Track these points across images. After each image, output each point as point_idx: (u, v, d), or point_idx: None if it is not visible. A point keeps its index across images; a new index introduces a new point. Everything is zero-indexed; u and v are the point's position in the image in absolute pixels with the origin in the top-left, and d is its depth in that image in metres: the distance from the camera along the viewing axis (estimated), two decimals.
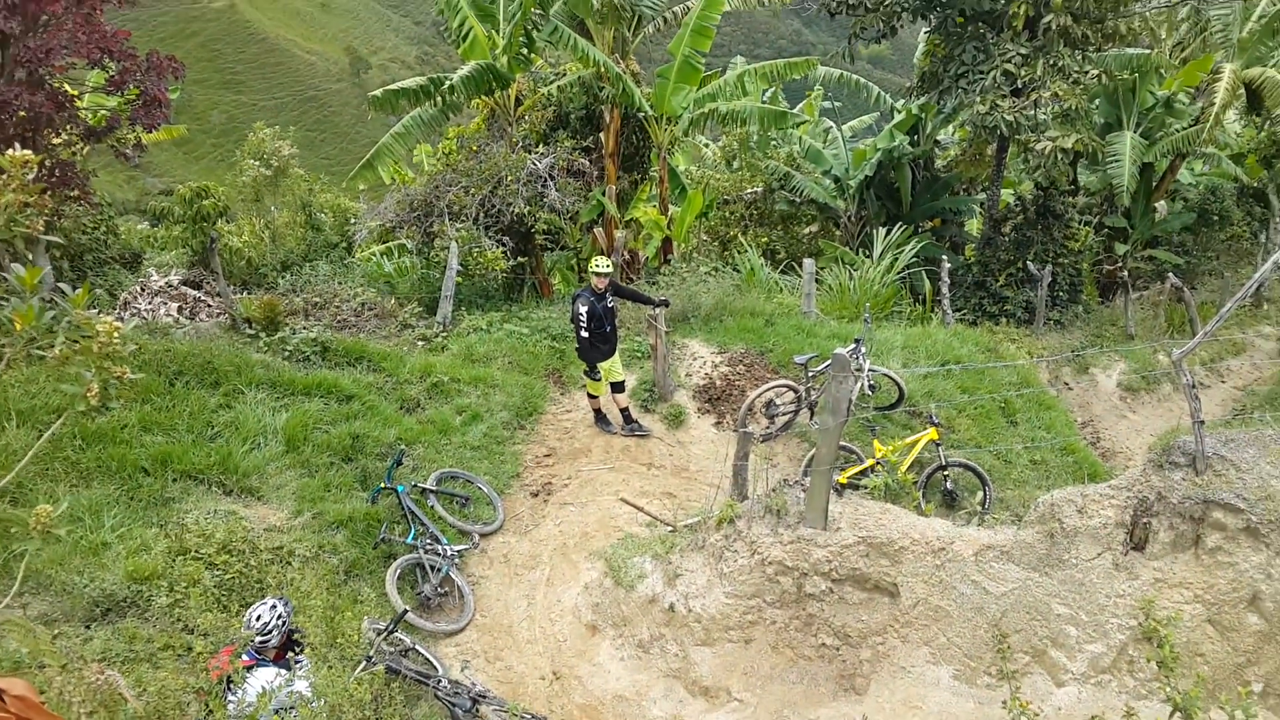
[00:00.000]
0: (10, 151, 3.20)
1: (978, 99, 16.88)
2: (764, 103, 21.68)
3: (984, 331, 16.12)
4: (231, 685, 5.90)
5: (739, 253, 19.33)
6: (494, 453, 11.54)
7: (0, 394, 9.53)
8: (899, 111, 22.20)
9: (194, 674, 6.37)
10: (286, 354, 12.23)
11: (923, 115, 21.71)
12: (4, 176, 3.15)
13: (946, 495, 10.70)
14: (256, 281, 15.45)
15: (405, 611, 8.33)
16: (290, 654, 6.84)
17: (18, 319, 2.92)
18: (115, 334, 3.07)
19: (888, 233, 19.02)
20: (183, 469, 9.55)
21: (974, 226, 23.82)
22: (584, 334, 11.51)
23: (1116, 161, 18.45)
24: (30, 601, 7.62)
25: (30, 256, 10.74)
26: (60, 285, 3.33)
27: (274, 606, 6.61)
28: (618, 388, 12.14)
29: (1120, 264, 19.86)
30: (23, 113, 11.66)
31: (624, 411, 12.26)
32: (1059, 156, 17.53)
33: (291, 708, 5.71)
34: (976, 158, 22.84)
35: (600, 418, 12.38)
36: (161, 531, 8.62)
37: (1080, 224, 18.72)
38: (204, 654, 6.25)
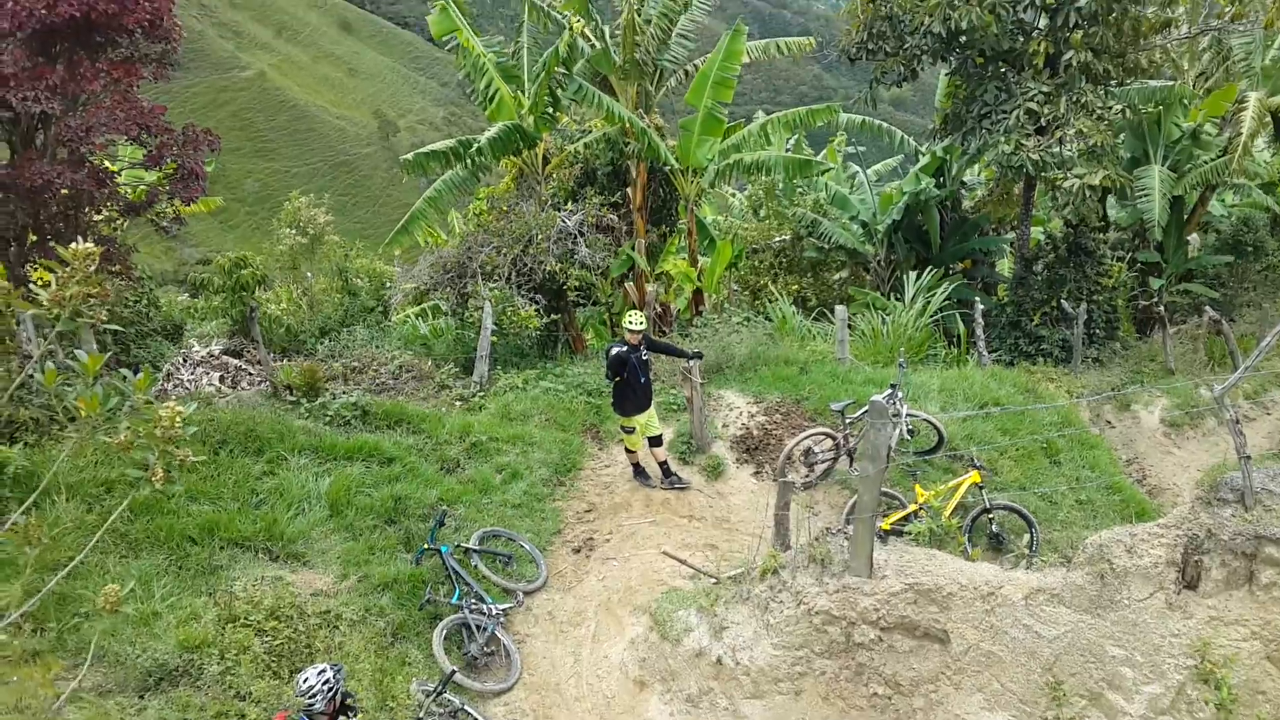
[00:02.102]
0: (74, 245, 3.33)
1: (1002, 139, 16.92)
2: (788, 151, 21.89)
3: (1021, 371, 16.02)
4: None
5: (770, 301, 19.40)
6: (535, 510, 11.59)
7: (48, 468, 9.73)
8: (923, 154, 22.26)
9: None
10: (327, 419, 12.39)
11: (947, 157, 21.75)
12: (68, 269, 3.27)
13: (992, 539, 10.60)
14: (295, 348, 15.68)
15: (454, 672, 8.35)
16: (343, 719, 6.87)
17: (83, 406, 3.02)
18: (178, 419, 3.17)
19: (918, 276, 19.02)
20: (229, 537, 9.67)
21: (1005, 266, 23.76)
22: (618, 380, 11.61)
23: (1146, 196, 18.38)
24: (85, 674, 7.71)
25: (52, 367, 10.96)
26: (122, 370, 3.44)
27: (322, 671, 6.64)
28: (655, 441, 12.17)
29: (1156, 299, 19.70)
30: (65, 190, 11.98)
31: (663, 465, 12.28)
32: (1087, 193, 17.49)
33: None
34: (1004, 197, 22.82)
35: (639, 472, 12.41)
36: (210, 600, 8.72)
37: (1113, 260, 18.62)
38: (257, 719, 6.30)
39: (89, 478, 9.81)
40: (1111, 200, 20.65)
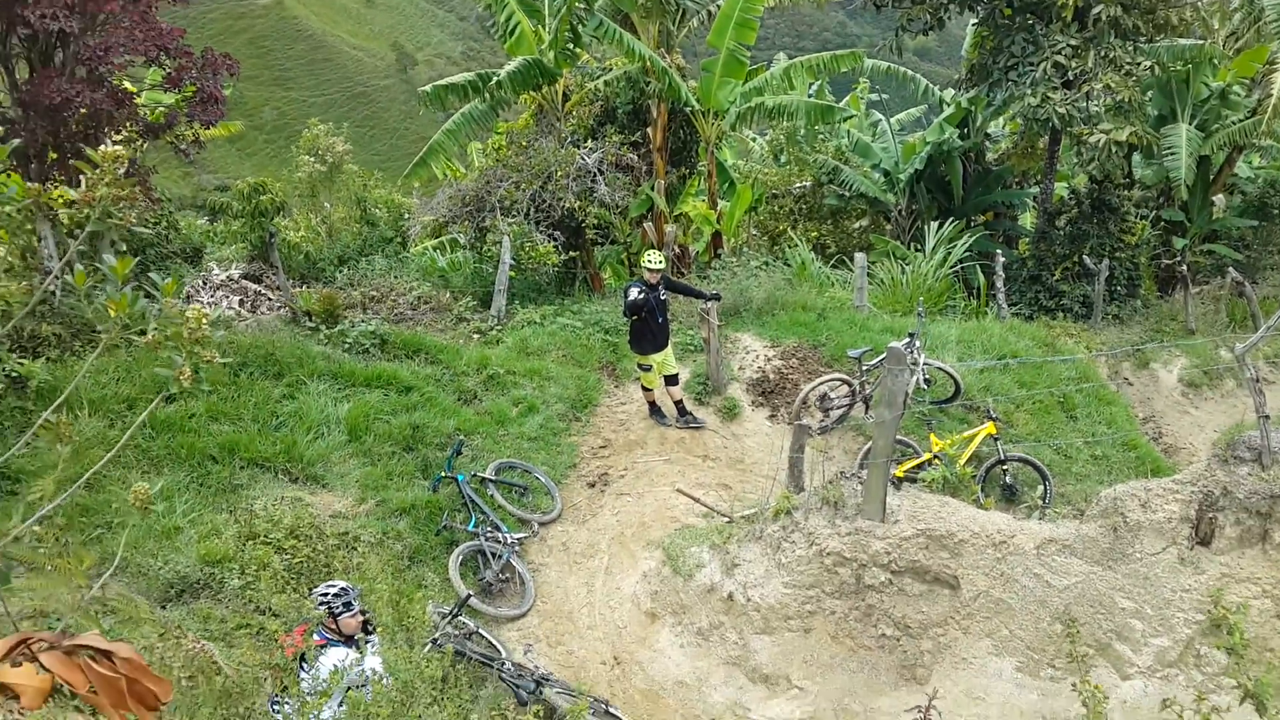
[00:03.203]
0: (103, 148, 3.33)
1: (1028, 91, 16.69)
2: (810, 96, 21.61)
3: (1040, 326, 15.96)
4: (305, 662, 6.04)
5: (789, 247, 19.29)
6: (550, 444, 11.67)
7: (70, 382, 9.81)
8: (948, 104, 21.97)
9: (268, 652, 6.52)
10: (346, 346, 12.44)
11: (972, 108, 21.47)
12: (97, 171, 3.27)
13: (1005, 490, 10.64)
14: (314, 275, 15.70)
15: (469, 596, 8.48)
16: (360, 636, 6.98)
17: (113, 306, 3.03)
18: (204, 320, 3.19)
19: (939, 227, 18.88)
20: (250, 457, 9.78)
21: (1028, 220, 23.55)
22: (636, 318, 11.60)
23: (1173, 154, 18.13)
24: (109, 583, 7.85)
25: (81, 268, 10.96)
26: (150, 274, 3.45)
27: (344, 588, 6.73)
28: (672, 380, 12.20)
29: (1179, 258, 19.54)
30: (84, 110, 11.93)
31: (678, 404, 12.32)
32: (1113, 149, 17.27)
33: (363, 685, 5.83)
34: (1028, 151, 22.55)
35: (655, 410, 12.45)
36: (231, 517, 8.86)
37: (1136, 218, 18.46)
38: (278, 632, 6.41)
39: (111, 394, 9.89)
40: (1137, 158, 20.42)
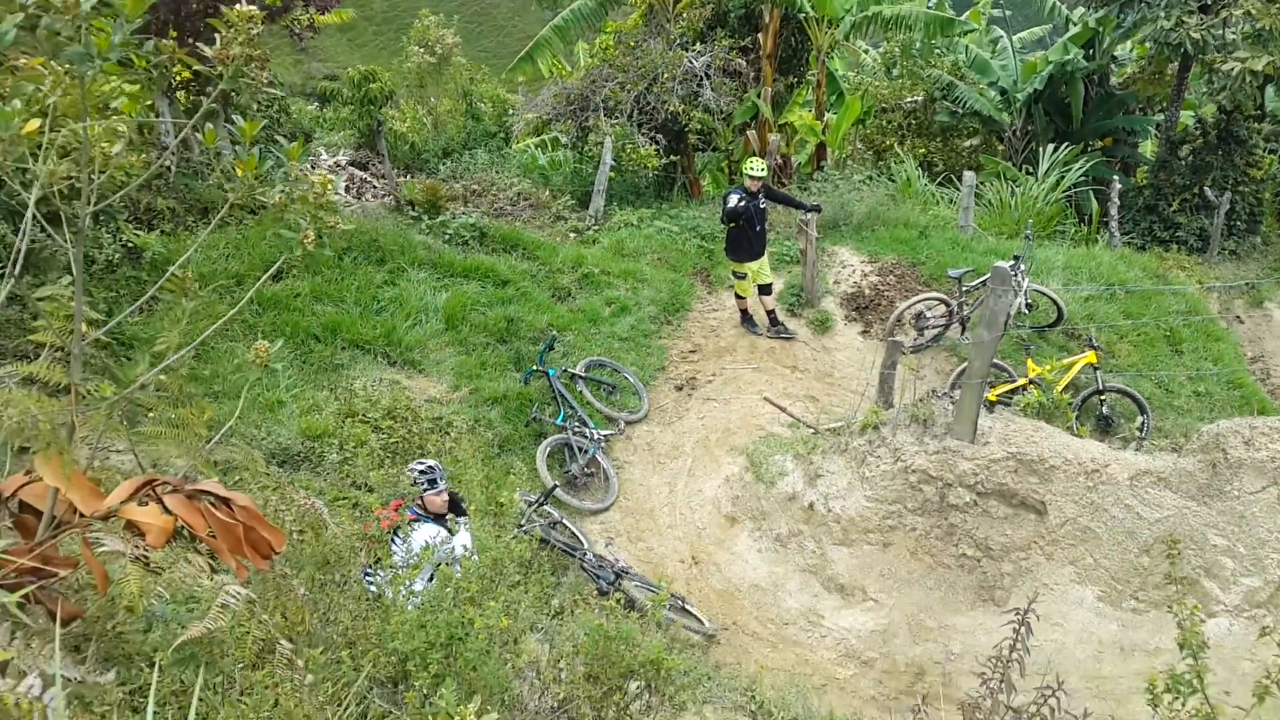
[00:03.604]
0: (237, 6, 3.38)
1: (1161, 14, 15.79)
2: (929, 8, 20.76)
3: (1152, 257, 15.37)
4: (398, 536, 6.29)
5: (895, 163, 18.80)
6: (641, 345, 11.75)
7: (183, 255, 10.18)
8: (1074, 23, 20.91)
9: (363, 524, 6.80)
10: (446, 237, 12.63)
11: (1100, 29, 20.37)
12: (231, 30, 3.33)
13: (1101, 420, 10.41)
14: (419, 166, 15.86)
15: (555, 487, 8.70)
16: (450, 516, 7.22)
17: (240, 166, 3.12)
18: (329, 185, 3.26)
19: (1055, 150, 18.16)
20: (350, 338, 10.08)
21: (1148, 148, 22.49)
22: (733, 225, 11.51)
23: None
24: (214, 450, 8.23)
25: (211, 127, 11.24)
26: (277, 138, 3.55)
27: (430, 466, 6.91)
28: (765, 290, 12.13)
29: None
30: None
31: (770, 314, 12.26)
32: (1247, 79, 16.29)
33: (452, 562, 6.06)
34: (1156, 76, 21.39)
35: (746, 318, 12.42)
36: (331, 394, 9.18)
37: (1265, 152, 17.50)
38: (374, 505, 6.67)
39: (220, 269, 10.24)
40: (1271, 89, 19.25)
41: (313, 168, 14.18)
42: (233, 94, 11.57)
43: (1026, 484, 7.92)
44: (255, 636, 3.47)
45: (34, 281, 7.08)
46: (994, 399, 10.33)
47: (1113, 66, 22.07)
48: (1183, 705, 4.29)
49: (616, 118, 15.29)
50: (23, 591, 2.48)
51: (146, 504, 2.65)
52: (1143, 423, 10.22)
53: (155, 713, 2.25)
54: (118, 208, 10.16)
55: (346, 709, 3.16)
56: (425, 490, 6.76)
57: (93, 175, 2.98)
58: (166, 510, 2.63)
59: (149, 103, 11.29)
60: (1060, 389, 10.36)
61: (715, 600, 8.56)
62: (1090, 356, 10.60)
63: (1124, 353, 11.84)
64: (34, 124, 2.84)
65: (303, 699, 3.10)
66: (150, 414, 3.20)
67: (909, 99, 22.40)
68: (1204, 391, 11.48)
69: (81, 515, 2.64)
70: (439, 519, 6.97)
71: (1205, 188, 16.75)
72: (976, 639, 7.44)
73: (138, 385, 2.91)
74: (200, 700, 3.00)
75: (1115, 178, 17.14)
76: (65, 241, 2.94)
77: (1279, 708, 4.41)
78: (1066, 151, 18.07)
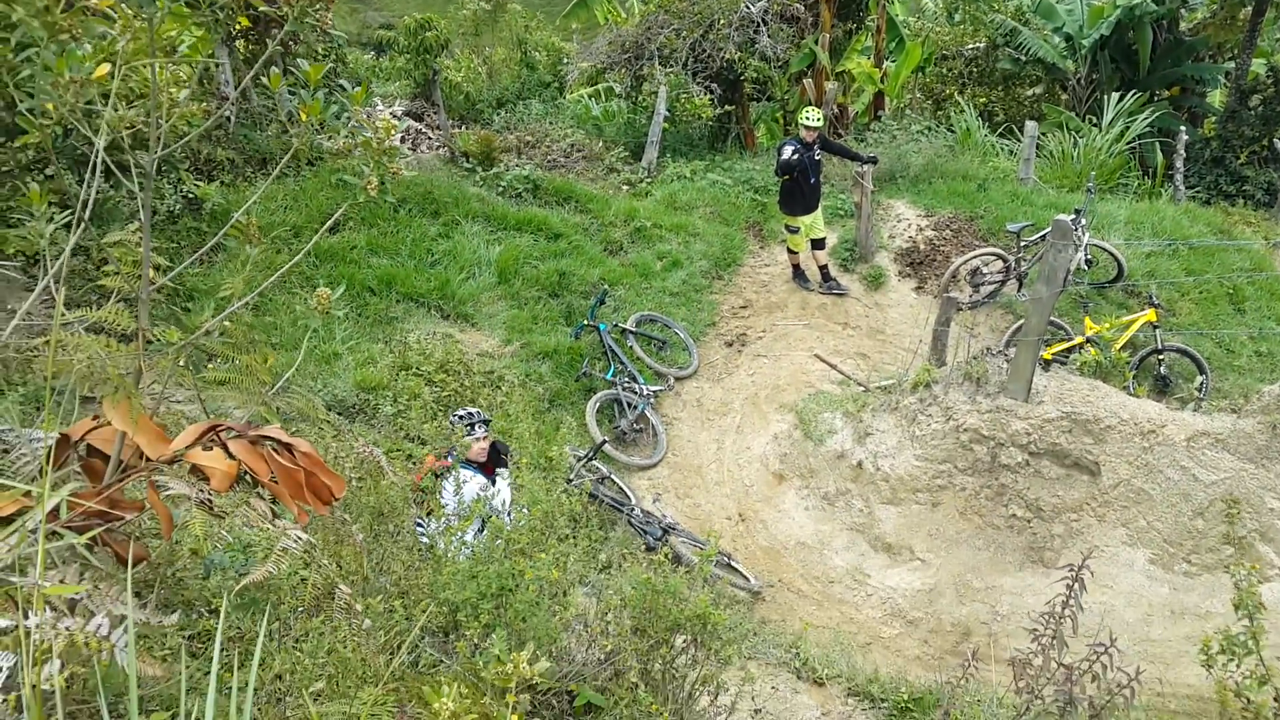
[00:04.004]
0: None
1: None
2: None
3: (1218, 211, 14.94)
4: (447, 483, 6.39)
5: (955, 112, 18.42)
6: (691, 300, 11.74)
7: (242, 206, 10.33)
8: None
9: (416, 476, 6.93)
10: (500, 189, 12.67)
11: None
12: None
13: (1159, 380, 10.24)
14: (473, 117, 15.89)
15: (604, 442, 8.77)
16: (497, 469, 7.31)
17: (304, 110, 3.15)
18: (392, 131, 3.28)
19: (1120, 99, 17.65)
20: (405, 291, 10.19)
21: (1216, 98, 21.76)
22: (787, 178, 11.38)
23: None
24: (275, 399, 8.40)
25: (277, 71, 11.30)
26: (341, 83, 3.57)
27: (470, 412, 6.98)
28: (818, 244, 12.01)
29: None
30: None
31: (823, 269, 12.16)
32: None
33: (499, 513, 6.15)
34: (1228, 21, 20.61)
35: (798, 273, 12.34)
36: (386, 347, 9.31)
37: None
38: (426, 457, 6.77)
39: (279, 220, 10.38)
40: None
41: (368, 118, 14.23)
42: (292, 42, 11.63)
43: (1080, 444, 7.84)
44: (314, 582, 3.58)
45: (100, 232, 7.23)
46: (1049, 357, 10.18)
47: (1183, 11, 21.29)
48: (1237, 667, 4.27)
49: (671, 66, 15.16)
50: (91, 534, 2.56)
51: (211, 449, 2.72)
52: (1201, 383, 10.02)
53: (217, 659, 2.33)
54: (179, 158, 10.32)
55: (399, 658, 3.25)
56: (464, 436, 6.83)
57: (160, 121, 3.03)
58: (230, 455, 2.70)
59: (209, 52, 11.40)
60: (1118, 348, 10.18)
61: (761, 557, 8.61)
62: (1150, 314, 10.39)
63: (1185, 311, 11.59)
64: (104, 68, 2.89)
65: (360, 645, 3.19)
66: (212, 363, 3.28)
67: (970, 45, 21.87)
68: (1266, 351, 11.21)
69: (148, 460, 2.72)
70: (485, 470, 7.07)
71: (1275, 139, 16.21)
72: (1024, 600, 7.42)
73: (202, 331, 2.98)
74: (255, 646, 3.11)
75: (1182, 128, 16.64)
76: (132, 188, 3.00)
77: None
78: (1132, 101, 17.57)
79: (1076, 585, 5.11)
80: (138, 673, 2.40)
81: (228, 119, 11.37)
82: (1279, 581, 7.04)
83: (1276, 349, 11.35)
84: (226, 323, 3.06)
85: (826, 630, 7.44)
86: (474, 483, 6.77)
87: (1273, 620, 6.53)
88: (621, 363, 10.19)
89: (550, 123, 15.73)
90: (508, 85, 17.04)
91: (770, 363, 11.12)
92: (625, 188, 14.05)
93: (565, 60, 18.17)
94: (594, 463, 8.58)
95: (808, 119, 11.51)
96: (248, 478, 2.75)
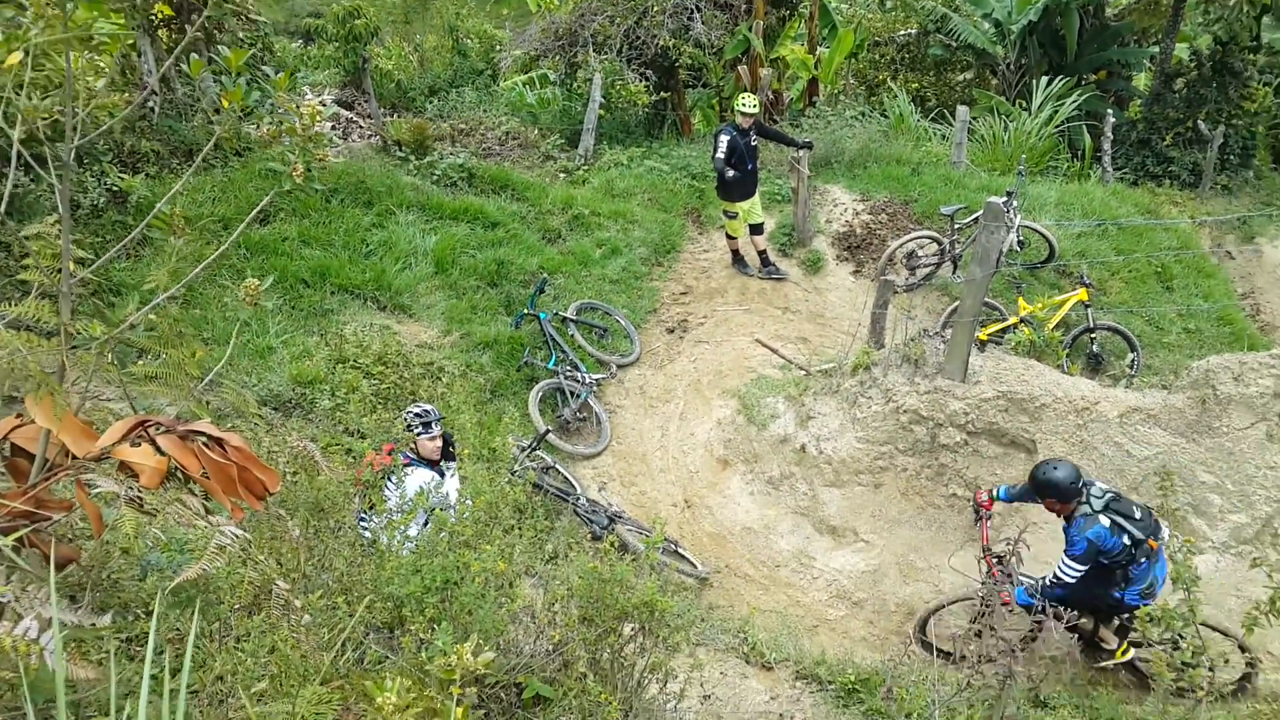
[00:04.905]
0: None
1: None
2: None
3: (1145, 192, 15.31)
4: (391, 480, 6.30)
5: (888, 98, 18.60)
6: (632, 287, 11.71)
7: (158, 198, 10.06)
8: None
9: (357, 470, 6.81)
10: (435, 178, 12.50)
11: None
12: None
13: (1092, 358, 10.44)
14: (405, 105, 15.66)
15: (547, 431, 8.71)
16: (442, 462, 7.23)
17: (226, 97, 3.05)
18: (318, 117, 3.18)
19: (1049, 83, 17.97)
20: (340, 283, 10.01)
21: (1142, 81, 22.27)
22: (724, 167, 11.37)
23: None
24: (205, 395, 8.21)
25: (197, 57, 11.09)
26: (263, 68, 3.47)
27: (425, 410, 6.92)
28: (757, 229, 12.05)
29: None
30: None
31: (762, 254, 12.20)
32: (1244, 9, 16.11)
33: (446, 508, 6.07)
34: (1152, 6, 21.08)
35: (737, 259, 12.37)
36: (322, 340, 9.14)
37: (1259, 84, 17.34)
38: (367, 451, 6.67)
39: (207, 213, 10.12)
40: (1268, 19, 19.00)
41: (297, 107, 13.95)
42: (217, 30, 11.34)
43: (1017, 423, 7.96)
44: (250, 579, 3.49)
45: (18, 226, 6.99)
46: (985, 338, 10.33)
47: None
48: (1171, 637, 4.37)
49: (606, 53, 15.07)
50: (16, 535, 2.48)
51: (139, 445, 2.64)
52: (1133, 360, 10.25)
53: (152, 660, 2.25)
54: (102, 150, 10.02)
55: (344, 655, 3.18)
56: (419, 434, 6.75)
57: (76, 110, 2.91)
58: (160, 451, 2.63)
59: (131, 42, 11.08)
60: (1051, 327, 10.36)
61: (708, 543, 8.63)
62: (1081, 294, 10.59)
63: (1115, 290, 11.84)
64: (16, 56, 2.77)
65: (300, 641, 3.12)
66: (141, 359, 3.17)
67: (902, 32, 22.12)
68: (1194, 328, 11.52)
69: (74, 457, 2.64)
70: (433, 465, 6.98)
71: (1199, 121, 16.62)
72: (966, 579, 7.52)
73: (127, 325, 2.89)
74: (195, 647, 3.02)
75: (1109, 112, 16.99)
76: (52, 180, 2.88)
77: (1266, 640, 4.48)
78: (1060, 85, 17.89)
79: (1013, 560, 5.19)
80: (71, 676, 2.31)
81: (151, 110, 11.06)
82: (1212, 553, 7.22)
83: (1204, 325, 11.66)
84: (152, 316, 2.96)
85: (773, 614, 7.48)
86: (416, 476, 6.67)
87: (1208, 591, 6.70)
88: (563, 351, 10.13)
89: (484, 111, 15.57)
90: (440, 73, 16.81)
91: (712, 348, 11.14)
92: (562, 175, 13.96)
93: (498, 47, 17.98)
94: (538, 452, 8.52)
95: (743, 106, 11.53)
96: (178, 474, 2.66)
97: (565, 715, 3.72)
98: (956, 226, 11.60)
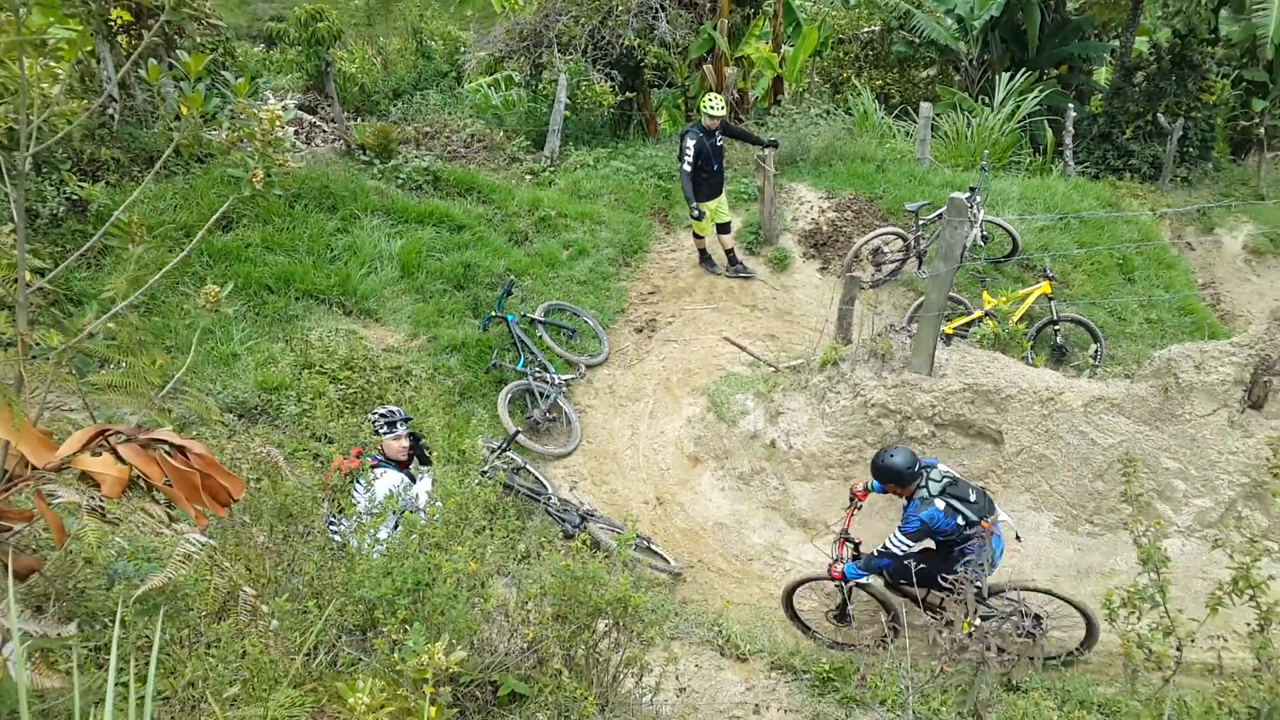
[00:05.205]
0: None
1: None
2: None
3: (1106, 185, 15.48)
4: (359, 483, 6.27)
5: (853, 95, 18.71)
6: (599, 288, 11.71)
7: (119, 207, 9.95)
8: None
9: (325, 476, 6.78)
10: (399, 182, 12.44)
11: None
12: None
13: (1056, 350, 10.56)
14: (369, 109, 15.55)
15: (517, 432, 8.70)
16: (413, 464, 7.20)
17: (185, 103, 3.03)
18: (277, 121, 3.17)
19: (1011, 78, 18.15)
20: (305, 288, 9.95)
21: (1102, 75, 22.54)
22: (689, 169, 11.39)
23: (1263, 9, 17.08)
24: (168, 403, 8.13)
25: (155, 63, 10.91)
26: (223, 73, 3.44)
27: (389, 410, 6.90)
28: (723, 228, 12.09)
29: (1257, 121, 18.65)
30: None
31: (729, 253, 12.24)
32: (1202, 2, 16.34)
33: (416, 510, 6.05)
34: (1112, 1, 21.41)
35: (705, 258, 12.40)
36: (287, 346, 9.08)
37: (1218, 76, 17.58)
38: (334, 455, 6.63)
39: (169, 220, 10.03)
40: (1225, 13, 19.29)
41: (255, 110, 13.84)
42: (175, 35, 11.24)
43: (983, 414, 8.05)
44: (217, 585, 3.47)
45: None
46: (950, 331, 10.41)
47: None
48: (1139, 619, 4.42)
49: (570, 54, 15.06)
50: None
51: (100, 454, 2.61)
52: (1096, 350, 10.37)
53: (119, 668, 2.24)
54: (61, 158, 9.90)
55: (316, 658, 3.17)
56: (385, 435, 6.73)
57: (31, 117, 2.88)
58: (121, 460, 2.60)
59: (89, 48, 10.95)
60: (1015, 320, 10.48)
61: (680, 539, 8.65)
62: (1045, 287, 10.71)
63: (1078, 282, 11.97)
64: None
65: (269, 646, 3.10)
66: (103, 368, 3.14)
67: (866, 29, 22.26)
68: (1156, 318, 11.67)
69: (34, 468, 2.61)
70: (403, 467, 6.95)
71: (1159, 114, 16.84)
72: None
73: (86, 334, 2.86)
74: (165, 654, 3.00)
75: (1070, 106, 17.17)
76: (5, 188, 2.85)
77: (1230, 620, 4.55)
78: (1022, 80, 18.07)
79: (985, 549, 5.25)
80: (36, 686, 2.29)
81: (111, 117, 10.93)
82: (1177, 538, 7.33)
83: (1165, 315, 11.82)
84: (110, 325, 2.94)
85: (747, 607, 7.50)
86: (386, 479, 6.65)
87: (1173, 574, 6.79)
88: (531, 353, 10.11)
89: (449, 113, 15.50)
90: (404, 76, 16.72)
91: (680, 347, 11.16)
92: (528, 177, 13.93)
93: (462, 49, 17.91)
94: (509, 453, 8.51)
95: (710, 107, 11.55)
96: (141, 482, 2.64)
97: (541, 712, 3.73)
98: (921, 222, 11.68)
